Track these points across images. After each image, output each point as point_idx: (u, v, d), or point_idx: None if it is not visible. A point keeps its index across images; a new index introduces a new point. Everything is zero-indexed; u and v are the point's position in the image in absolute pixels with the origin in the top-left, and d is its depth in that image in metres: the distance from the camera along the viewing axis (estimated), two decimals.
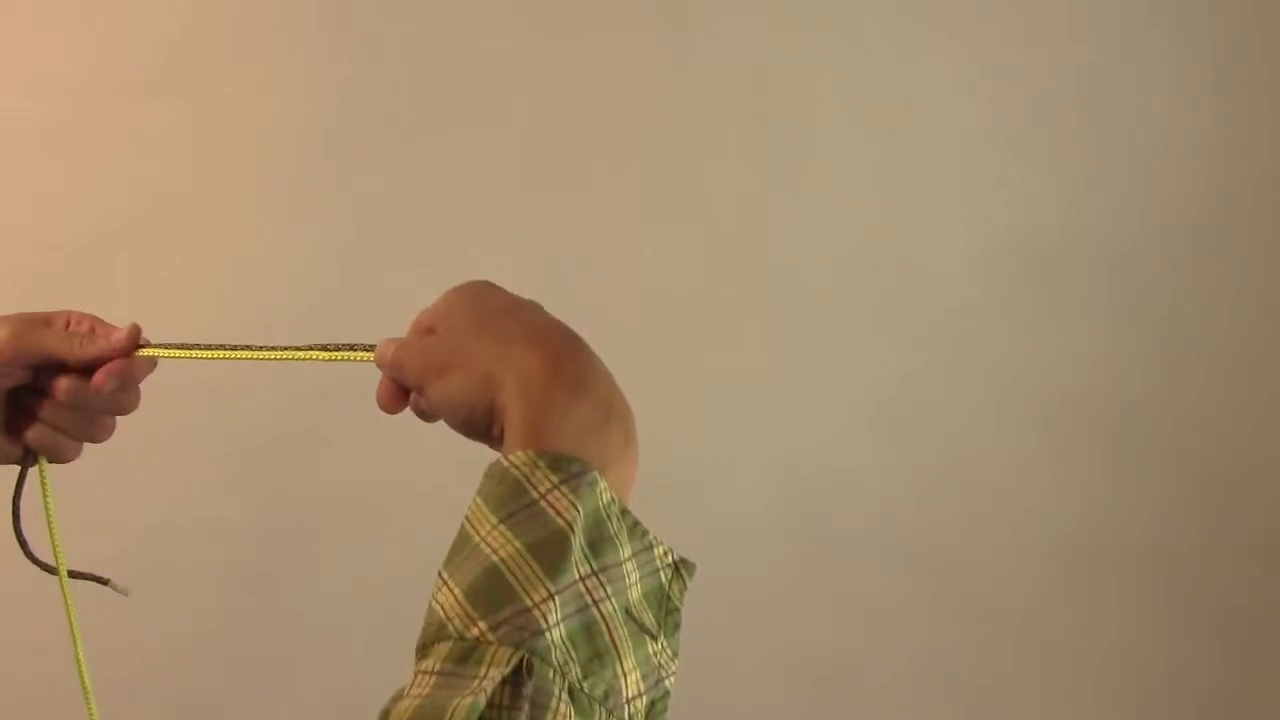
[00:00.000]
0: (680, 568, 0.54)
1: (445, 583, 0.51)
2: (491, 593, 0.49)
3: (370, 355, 0.66)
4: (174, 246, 1.59)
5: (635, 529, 0.53)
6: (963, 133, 1.80)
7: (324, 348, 0.70)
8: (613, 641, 0.50)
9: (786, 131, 1.75)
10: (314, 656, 1.62)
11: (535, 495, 0.51)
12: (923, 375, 1.80)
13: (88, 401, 0.74)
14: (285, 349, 0.71)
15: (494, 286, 0.64)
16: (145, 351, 0.73)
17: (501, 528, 0.50)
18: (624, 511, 0.53)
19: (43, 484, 0.77)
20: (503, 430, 0.56)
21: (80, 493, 1.55)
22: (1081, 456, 1.84)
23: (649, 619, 0.52)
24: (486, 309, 0.61)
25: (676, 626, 0.53)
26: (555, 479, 0.51)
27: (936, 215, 1.80)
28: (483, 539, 0.51)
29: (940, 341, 1.80)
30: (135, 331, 0.73)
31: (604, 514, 0.52)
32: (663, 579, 0.53)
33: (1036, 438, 1.83)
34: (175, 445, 1.58)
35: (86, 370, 0.73)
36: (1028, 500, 1.83)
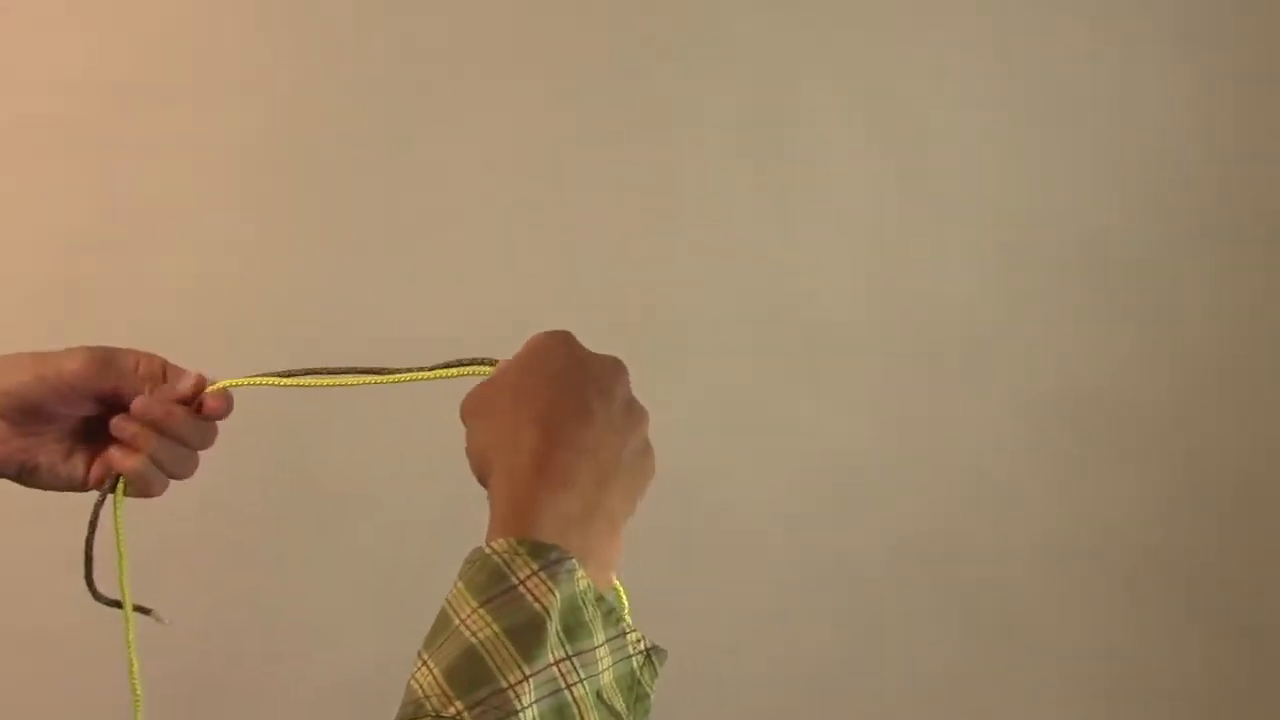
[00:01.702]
0: (651, 655, 0.57)
1: (425, 663, 0.53)
2: (469, 674, 0.51)
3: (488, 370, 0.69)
4: (174, 247, 1.59)
5: (610, 615, 0.56)
6: (965, 133, 1.80)
7: (443, 365, 0.71)
8: None
9: (787, 132, 1.75)
10: (310, 645, 1.62)
11: (515, 581, 0.53)
12: (926, 378, 1.79)
13: (187, 434, 0.74)
14: (393, 372, 0.73)
15: (561, 344, 0.65)
16: (219, 385, 0.74)
17: (481, 611, 0.53)
18: (599, 599, 0.55)
19: (117, 513, 0.76)
20: (490, 497, 0.60)
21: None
22: (1092, 461, 1.84)
23: (619, 703, 0.54)
24: (531, 370, 0.63)
25: (646, 712, 0.56)
26: (535, 565, 0.54)
27: (937, 216, 1.80)
28: (462, 621, 0.53)
29: (943, 342, 1.80)
30: (202, 381, 0.75)
31: (580, 600, 0.54)
32: (634, 665, 0.56)
33: (1044, 441, 1.83)
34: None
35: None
36: (1035, 503, 1.83)
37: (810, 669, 1.77)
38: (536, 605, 0.53)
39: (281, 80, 1.61)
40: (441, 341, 1.63)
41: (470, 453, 0.63)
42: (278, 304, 1.61)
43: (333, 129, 1.63)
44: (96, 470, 0.75)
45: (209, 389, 0.75)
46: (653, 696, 0.56)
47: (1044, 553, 1.83)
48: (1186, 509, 1.87)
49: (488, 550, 0.55)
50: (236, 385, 0.74)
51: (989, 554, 1.82)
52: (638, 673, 0.56)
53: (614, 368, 0.64)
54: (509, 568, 0.54)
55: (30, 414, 0.72)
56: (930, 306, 1.79)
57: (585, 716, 0.52)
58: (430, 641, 0.54)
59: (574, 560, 0.55)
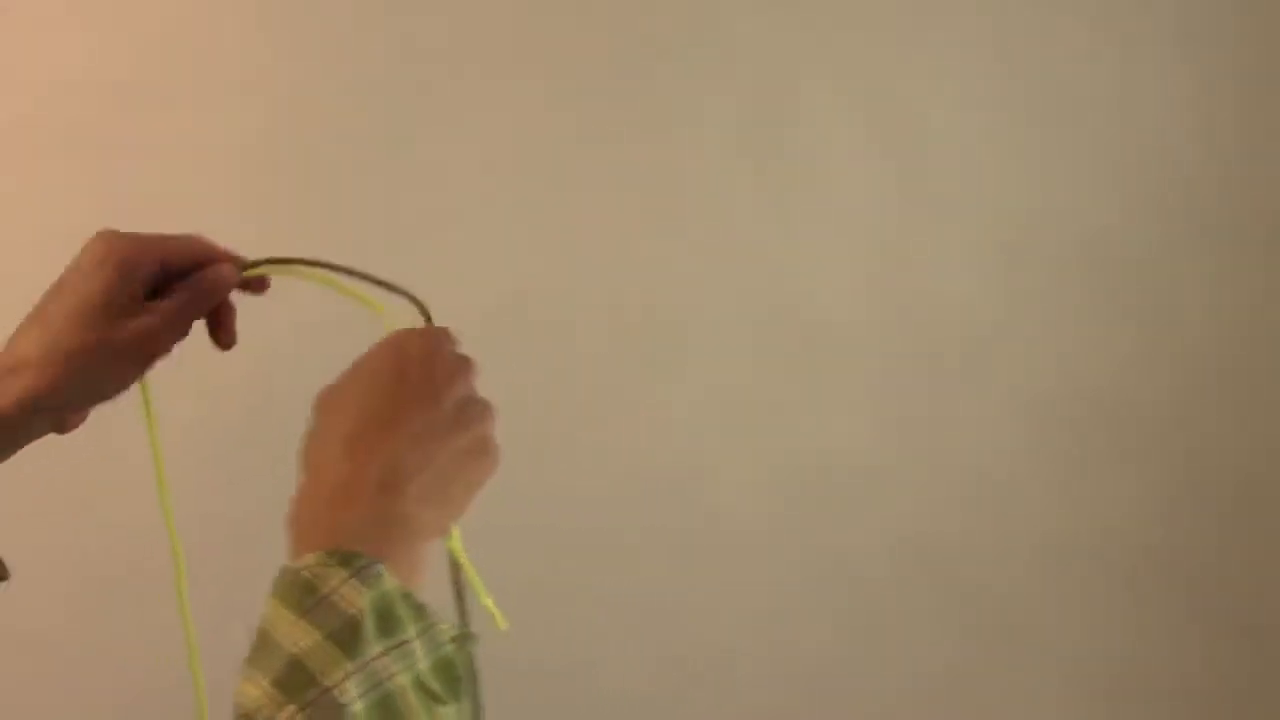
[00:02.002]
0: (461, 641, 0.61)
1: (250, 678, 0.56)
2: (297, 679, 0.55)
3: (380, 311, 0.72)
4: None
5: (420, 610, 0.59)
6: (965, 133, 1.80)
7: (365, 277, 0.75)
8: (408, 709, 0.56)
9: (787, 132, 1.75)
10: None
11: (327, 590, 0.57)
12: (926, 378, 1.80)
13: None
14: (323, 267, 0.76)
15: (391, 350, 0.67)
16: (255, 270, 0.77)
17: (301, 623, 0.56)
18: (406, 595, 0.59)
19: (149, 408, 0.77)
20: (291, 517, 0.62)
21: (79, 490, 1.56)
22: (1092, 461, 1.84)
23: (438, 687, 0.58)
24: (357, 376, 0.66)
25: (462, 692, 0.60)
26: (345, 573, 0.57)
27: (938, 216, 1.80)
28: (284, 635, 0.56)
29: (943, 342, 1.80)
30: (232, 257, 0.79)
31: (390, 599, 0.58)
32: (447, 651, 0.60)
33: (1044, 441, 1.83)
34: (171, 441, 1.58)
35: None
36: (1035, 503, 1.83)
37: (810, 669, 1.77)
38: (351, 609, 0.56)
39: (281, 80, 1.61)
40: None
41: (303, 450, 0.66)
42: (279, 304, 1.61)
43: (333, 129, 1.63)
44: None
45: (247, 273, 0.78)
46: (465, 678, 0.60)
47: (1044, 553, 1.83)
48: (1187, 509, 1.87)
49: (297, 567, 0.58)
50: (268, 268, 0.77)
51: (989, 554, 1.82)
52: (451, 657, 0.60)
53: (448, 369, 0.67)
54: (320, 579, 0.57)
55: (103, 316, 0.74)
56: (930, 306, 1.79)
57: (407, 701, 0.56)
58: (253, 659, 0.57)
59: (380, 565, 0.58)
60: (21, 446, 0.74)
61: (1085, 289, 1.84)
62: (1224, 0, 1.87)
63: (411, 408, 0.64)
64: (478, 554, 1.66)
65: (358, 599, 0.56)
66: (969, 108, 1.81)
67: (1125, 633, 1.86)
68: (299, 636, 0.56)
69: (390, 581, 0.59)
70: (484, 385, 1.64)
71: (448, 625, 0.60)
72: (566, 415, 1.68)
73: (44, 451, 1.44)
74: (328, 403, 0.66)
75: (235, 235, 1.61)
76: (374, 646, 0.56)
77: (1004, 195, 1.82)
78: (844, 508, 1.77)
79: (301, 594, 0.57)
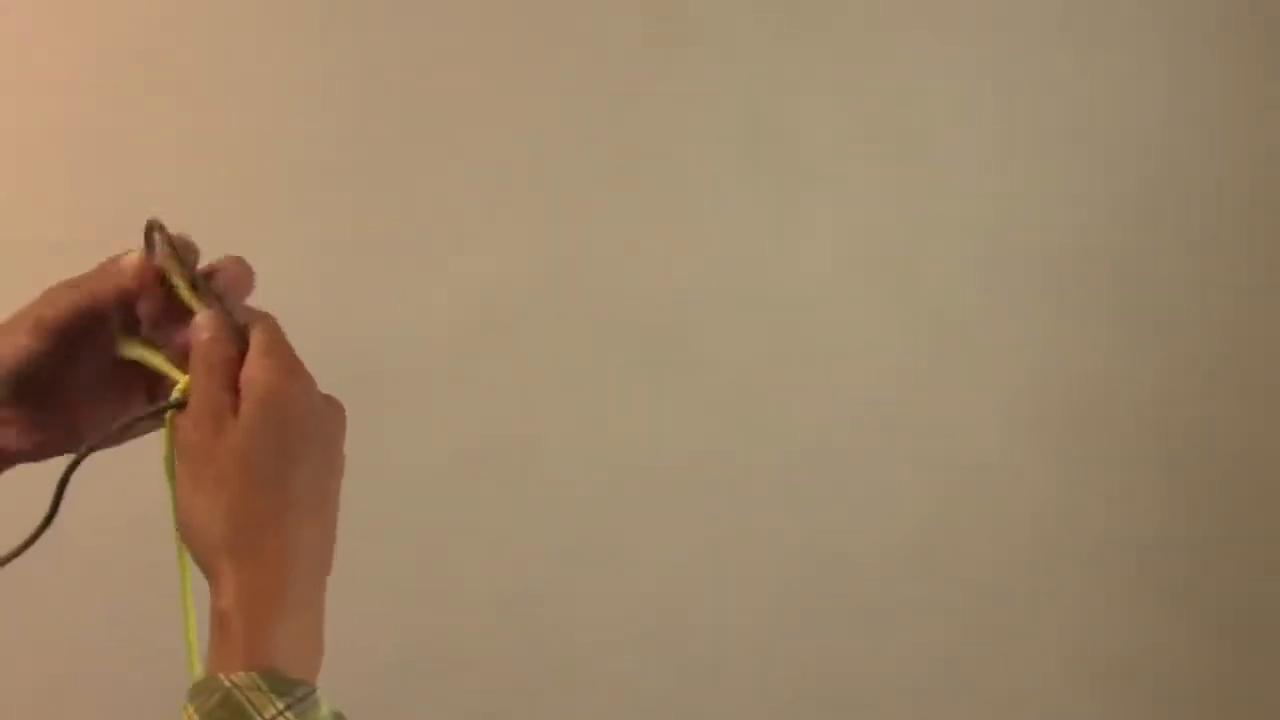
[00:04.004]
0: None
1: None
2: None
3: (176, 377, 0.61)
4: None
5: None
6: (964, 134, 1.80)
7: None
8: None
9: (787, 134, 1.75)
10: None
11: None
12: (923, 377, 1.80)
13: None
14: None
15: (256, 427, 0.57)
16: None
17: None
18: (337, 715, 0.55)
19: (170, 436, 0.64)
20: (217, 617, 0.55)
21: (82, 490, 1.56)
22: (1089, 460, 1.84)
23: None
24: (241, 453, 0.57)
25: None
26: (280, 705, 0.53)
27: (932, 216, 1.80)
28: None
29: (941, 344, 1.80)
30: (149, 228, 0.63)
31: None
32: None
33: (1041, 440, 1.83)
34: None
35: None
36: (1031, 503, 1.83)
37: (805, 665, 1.77)
38: None
39: (282, 80, 1.61)
40: (439, 341, 1.63)
41: (184, 523, 0.58)
42: (278, 304, 1.61)
43: (333, 129, 1.63)
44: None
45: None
46: None
47: (1037, 549, 1.84)
48: (1178, 505, 1.88)
49: (227, 684, 0.53)
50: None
51: (981, 551, 1.82)
52: None
53: (301, 437, 0.58)
54: (253, 706, 0.53)
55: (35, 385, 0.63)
56: (927, 305, 1.80)
57: None
58: None
59: (317, 693, 0.54)
60: None
61: (1076, 285, 1.84)
62: (1209, 4, 1.87)
63: (293, 488, 0.57)
64: (476, 556, 1.67)
65: None
66: (970, 108, 1.81)
67: (1119, 628, 1.86)
68: None
69: (324, 707, 0.55)
70: (481, 387, 1.64)
71: None
72: (566, 415, 1.68)
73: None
74: (256, 471, 0.57)
75: (236, 235, 1.61)
76: None
77: (994, 192, 1.82)
78: (839, 506, 1.78)
79: (229, 718, 0.52)
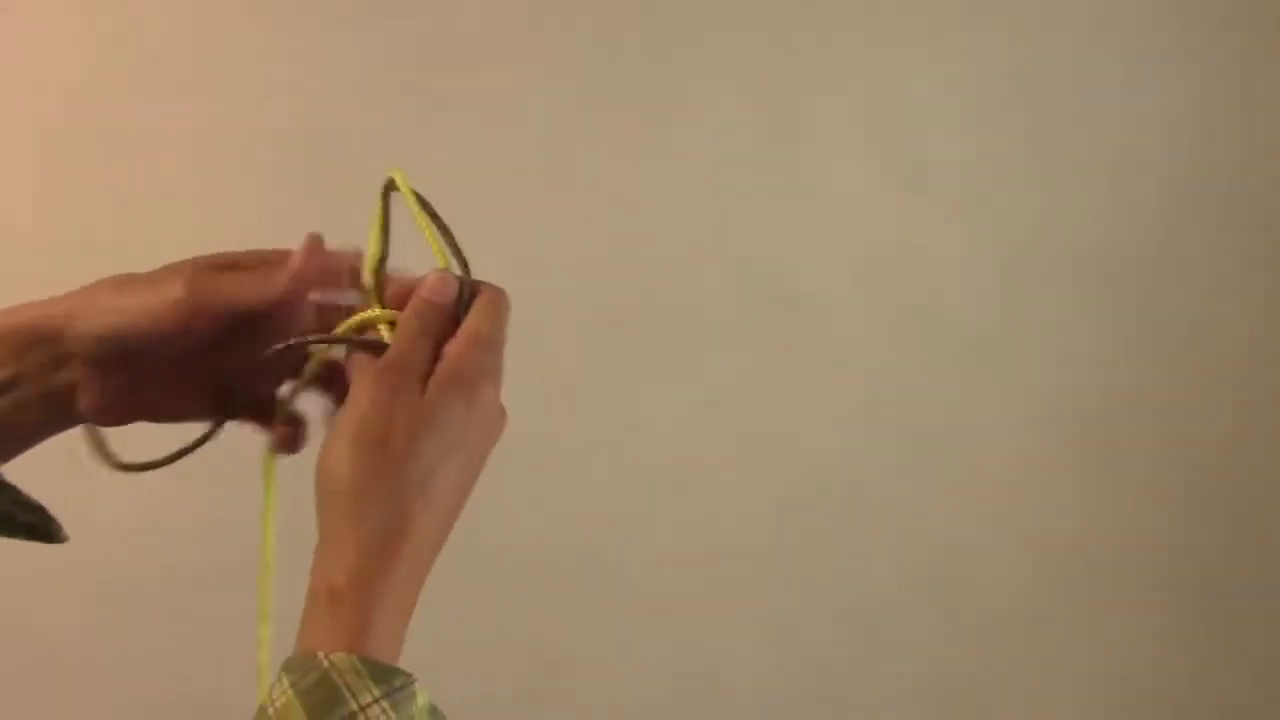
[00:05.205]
0: None
1: None
2: None
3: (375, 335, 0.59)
4: (175, 247, 1.58)
5: None
6: (968, 134, 1.80)
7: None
8: None
9: (786, 134, 1.75)
10: None
11: (355, 707, 0.51)
12: (928, 380, 1.80)
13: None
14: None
15: (477, 411, 0.58)
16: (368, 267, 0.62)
17: None
18: (433, 709, 0.54)
19: (268, 475, 0.65)
20: (325, 589, 0.54)
21: (84, 491, 1.55)
22: (1099, 467, 1.84)
23: None
24: (383, 448, 0.56)
25: None
26: (377, 693, 0.52)
27: (942, 223, 1.80)
28: None
29: (947, 345, 1.80)
30: (313, 240, 0.62)
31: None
32: None
33: (1050, 446, 1.83)
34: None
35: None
36: (1040, 509, 1.83)
37: (812, 672, 1.77)
38: None
39: (283, 80, 1.61)
40: None
41: (325, 467, 0.57)
42: None
43: (334, 129, 1.63)
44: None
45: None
46: None
47: (1049, 559, 1.83)
48: (1193, 515, 1.87)
49: (325, 664, 0.52)
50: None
51: (993, 560, 1.82)
52: None
53: (463, 436, 0.58)
54: (350, 690, 0.51)
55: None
56: (935, 310, 1.79)
57: None
58: None
59: (415, 684, 0.53)
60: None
61: (1090, 295, 1.84)
62: (1225, 9, 1.87)
63: (440, 476, 0.57)
64: (473, 559, 1.66)
65: None
66: (970, 109, 1.81)
67: (1132, 638, 1.86)
68: None
69: (421, 697, 0.53)
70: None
71: None
72: (566, 415, 1.68)
73: (55, 449, 1.44)
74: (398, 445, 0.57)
75: (236, 235, 1.61)
76: None
77: (1007, 201, 1.82)
78: (845, 510, 1.77)
79: (324, 702, 0.51)
